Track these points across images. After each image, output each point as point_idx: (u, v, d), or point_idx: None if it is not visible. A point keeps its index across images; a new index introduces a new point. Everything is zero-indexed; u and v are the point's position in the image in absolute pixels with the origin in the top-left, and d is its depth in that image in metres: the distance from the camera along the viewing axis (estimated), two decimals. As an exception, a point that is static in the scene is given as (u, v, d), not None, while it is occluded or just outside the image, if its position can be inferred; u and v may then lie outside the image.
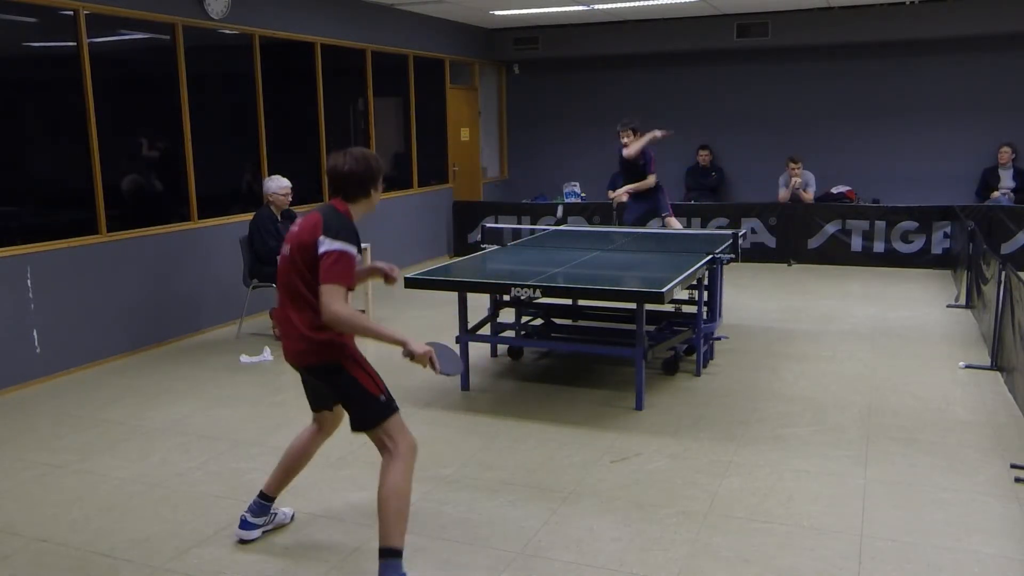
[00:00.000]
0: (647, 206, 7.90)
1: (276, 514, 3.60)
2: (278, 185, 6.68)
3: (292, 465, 3.50)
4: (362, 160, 3.19)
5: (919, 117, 10.61)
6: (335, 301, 2.93)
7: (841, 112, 10.94)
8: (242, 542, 3.47)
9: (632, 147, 7.61)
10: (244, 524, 3.49)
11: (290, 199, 6.76)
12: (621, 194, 7.91)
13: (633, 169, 7.80)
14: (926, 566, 3.20)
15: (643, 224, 7.91)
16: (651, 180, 7.77)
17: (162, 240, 6.82)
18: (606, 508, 3.73)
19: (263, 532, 3.53)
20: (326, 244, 2.97)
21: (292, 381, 5.84)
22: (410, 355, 3.02)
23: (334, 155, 3.21)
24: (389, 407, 3.12)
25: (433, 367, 3.05)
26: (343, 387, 3.14)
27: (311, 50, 8.47)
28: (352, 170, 3.14)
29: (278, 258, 3.19)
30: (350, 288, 3.01)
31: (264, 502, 3.51)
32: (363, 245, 7.07)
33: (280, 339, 3.34)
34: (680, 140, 11.60)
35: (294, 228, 3.14)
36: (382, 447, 3.11)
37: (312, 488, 4.01)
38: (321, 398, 3.37)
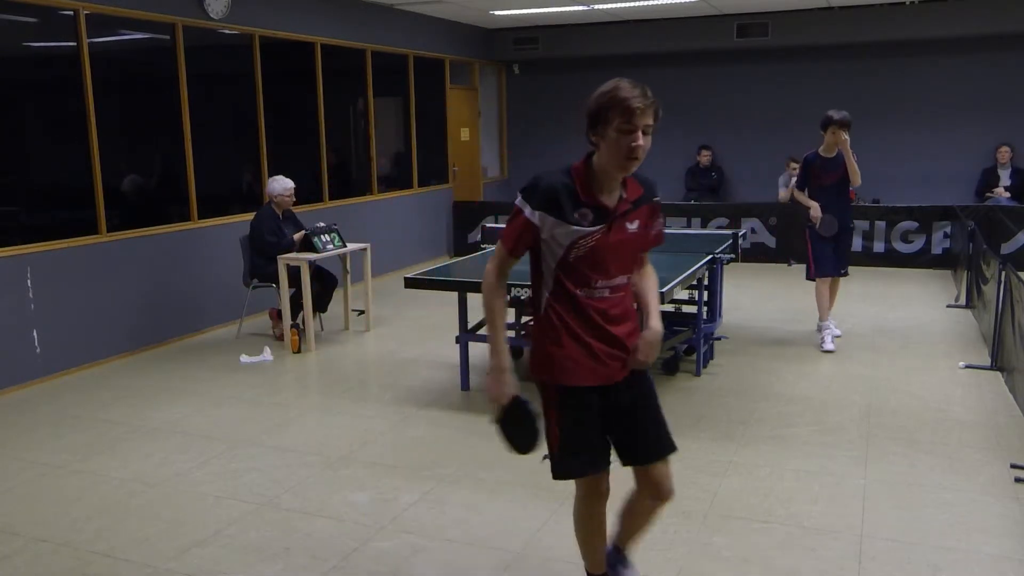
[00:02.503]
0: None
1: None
2: (283, 187, 6.68)
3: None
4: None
5: (919, 117, 10.61)
6: (491, 259, 2.59)
7: (841, 112, 10.93)
8: None
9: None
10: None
11: (293, 200, 6.77)
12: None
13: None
14: (926, 566, 3.20)
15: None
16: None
17: (162, 240, 6.82)
18: (606, 508, 3.72)
19: None
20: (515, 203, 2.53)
21: (292, 381, 5.85)
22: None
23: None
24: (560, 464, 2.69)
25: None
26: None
27: (311, 50, 8.47)
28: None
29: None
30: (512, 255, 2.55)
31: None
32: (362, 245, 7.09)
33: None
34: (680, 140, 11.66)
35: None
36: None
37: (312, 488, 4.01)
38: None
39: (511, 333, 6.30)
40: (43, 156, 6.14)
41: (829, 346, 6.25)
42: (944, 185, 10.47)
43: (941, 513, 3.62)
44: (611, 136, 2.39)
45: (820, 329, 6.44)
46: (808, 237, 6.38)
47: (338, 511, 3.77)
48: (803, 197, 6.34)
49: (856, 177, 6.13)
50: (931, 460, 4.19)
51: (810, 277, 6.46)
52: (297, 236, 6.63)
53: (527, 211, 2.47)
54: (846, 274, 6.47)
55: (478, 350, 6.12)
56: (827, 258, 6.30)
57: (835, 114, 6.02)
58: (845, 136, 5.98)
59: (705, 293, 5.76)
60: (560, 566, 3.25)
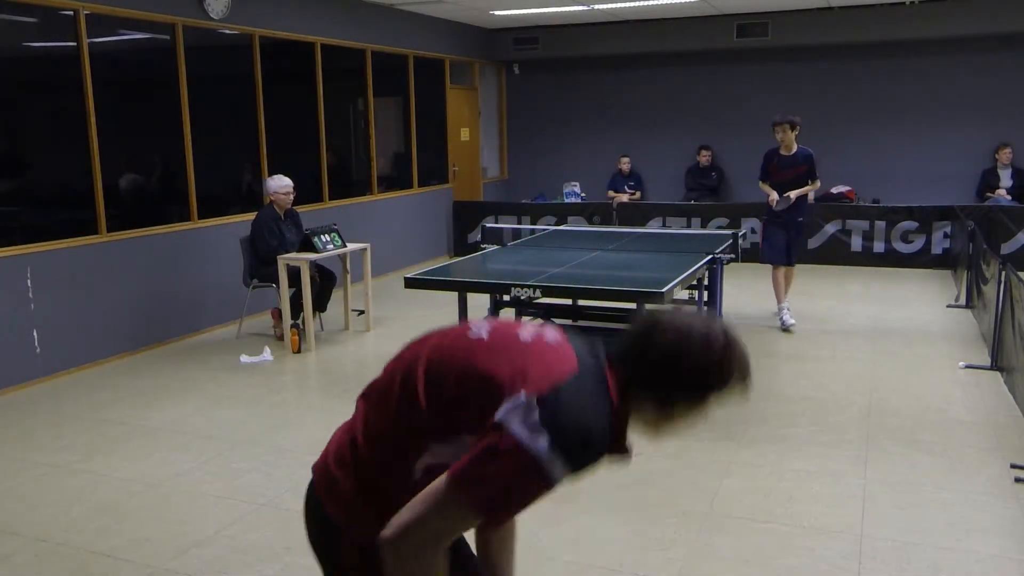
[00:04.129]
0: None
1: None
2: (279, 184, 6.68)
3: None
4: (719, 345, 1.58)
5: (919, 117, 10.60)
6: (426, 523, 1.51)
7: (841, 112, 10.93)
8: None
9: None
10: None
11: (292, 198, 6.76)
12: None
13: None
14: (926, 566, 3.20)
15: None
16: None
17: (162, 240, 6.82)
18: (606, 508, 3.73)
19: None
20: (507, 414, 1.48)
21: (292, 381, 5.85)
22: None
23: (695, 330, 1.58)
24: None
25: None
26: None
27: (311, 50, 8.47)
28: (688, 352, 1.54)
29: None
30: (491, 523, 1.73)
31: None
32: (362, 245, 7.08)
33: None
34: (680, 140, 11.66)
35: (481, 334, 1.67)
36: None
37: (312, 488, 4.01)
38: None
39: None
40: (43, 156, 6.14)
41: (789, 320, 6.81)
42: (944, 185, 10.47)
43: (941, 513, 3.62)
44: (693, 412, 1.59)
45: (778, 312, 6.97)
46: (764, 225, 7.08)
47: (338, 511, 3.76)
48: (765, 187, 6.96)
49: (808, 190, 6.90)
50: (931, 460, 4.19)
51: (764, 261, 7.12)
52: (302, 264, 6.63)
53: (557, 475, 1.49)
54: (791, 264, 7.03)
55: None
56: (776, 247, 6.93)
57: (777, 116, 6.83)
58: (782, 136, 6.75)
59: (705, 293, 5.76)
60: (560, 566, 3.25)
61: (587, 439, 1.49)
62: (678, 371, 1.54)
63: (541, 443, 1.45)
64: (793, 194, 6.76)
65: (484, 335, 1.67)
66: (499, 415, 1.48)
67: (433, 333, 1.78)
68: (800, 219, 6.96)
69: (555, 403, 1.48)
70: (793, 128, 6.74)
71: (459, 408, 1.57)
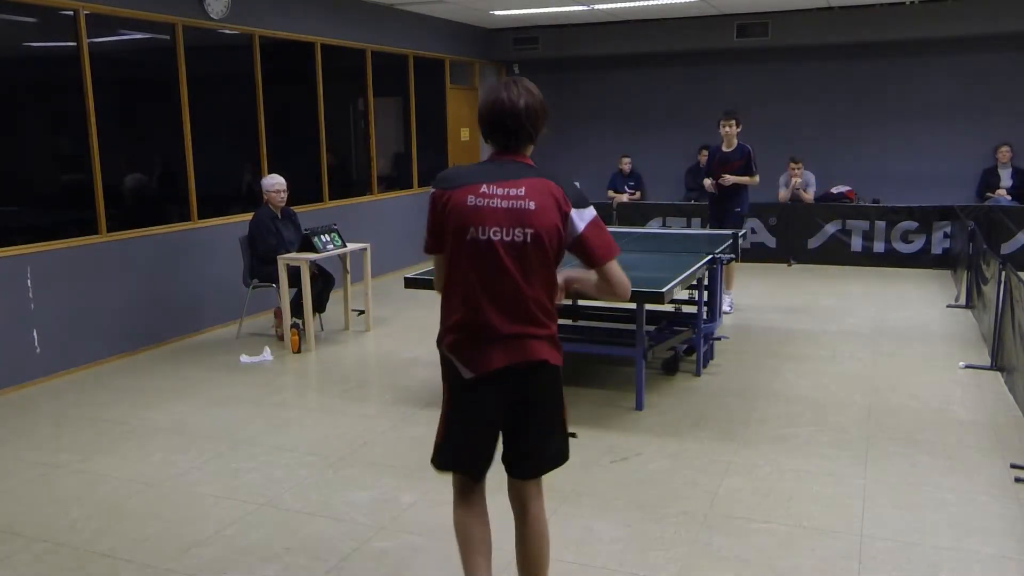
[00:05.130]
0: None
1: None
2: (271, 183, 6.69)
3: (487, 547, 2.65)
4: (532, 93, 2.47)
5: (919, 117, 10.60)
6: (623, 274, 2.50)
7: (841, 112, 10.94)
8: None
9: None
10: None
11: (284, 196, 6.74)
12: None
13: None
14: (926, 566, 3.20)
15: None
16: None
17: (162, 240, 6.82)
18: (606, 508, 3.73)
19: None
20: (583, 213, 2.44)
21: (292, 381, 5.85)
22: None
23: (495, 89, 2.46)
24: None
25: None
26: (556, 403, 2.57)
27: (311, 50, 8.47)
28: (530, 106, 2.45)
29: (476, 241, 2.43)
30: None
31: None
32: (362, 245, 7.08)
33: (483, 352, 2.50)
34: (680, 140, 11.65)
35: (505, 191, 2.41)
36: (538, 489, 2.63)
37: (312, 488, 4.01)
38: (492, 452, 2.60)
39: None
40: (43, 156, 6.14)
41: (726, 307, 7.23)
42: (944, 185, 10.47)
43: (941, 513, 3.62)
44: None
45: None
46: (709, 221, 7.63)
47: (338, 511, 3.77)
48: (706, 181, 7.51)
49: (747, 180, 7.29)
50: (931, 460, 4.19)
51: None
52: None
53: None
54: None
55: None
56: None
57: (728, 109, 7.44)
58: (727, 130, 7.25)
59: (705, 293, 5.76)
60: (560, 566, 3.25)
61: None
62: (536, 127, 2.49)
63: (590, 208, 2.49)
64: (729, 178, 7.22)
65: (505, 235, 2.46)
66: (581, 225, 2.45)
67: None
68: (737, 209, 7.36)
69: (574, 194, 2.47)
70: (738, 124, 7.30)
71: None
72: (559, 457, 2.61)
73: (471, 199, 2.42)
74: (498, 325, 2.45)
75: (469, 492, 2.63)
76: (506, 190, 2.41)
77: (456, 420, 2.59)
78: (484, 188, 2.42)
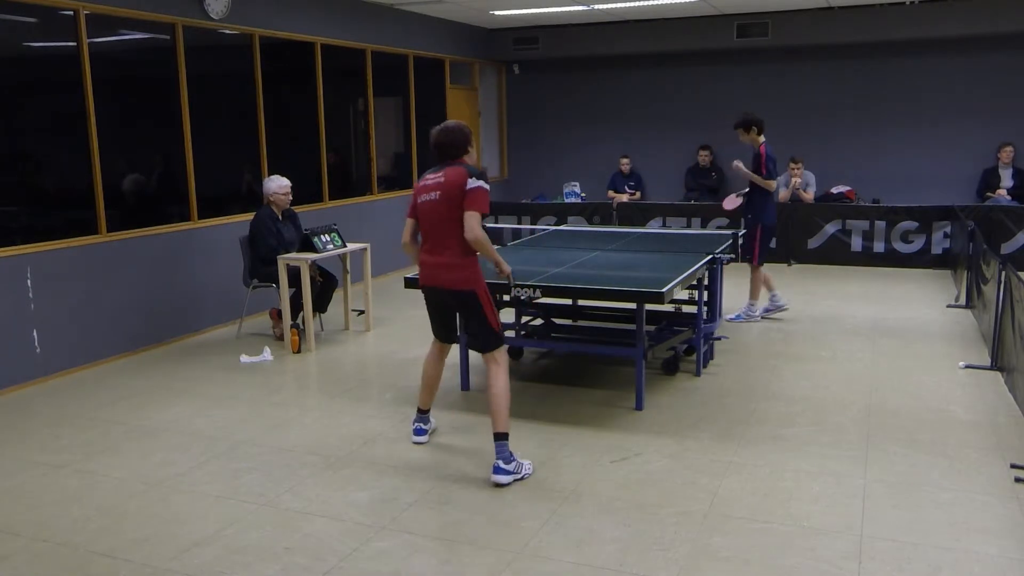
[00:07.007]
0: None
1: (432, 421, 4.65)
2: (278, 185, 6.69)
3: (434, 384, 4.51)
4: (455, 130, 4.15)
5: (919, 117, 10.61)
6: (478, 225, 3.97)
7: (841, 112, 10.94)
8: (417, 444, 4.51)
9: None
10: (418, 431, 4.54)
11: (290, 198, 6.77)
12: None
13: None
14: (926, 566, 3.20)
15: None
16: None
17: (162, 240, 6.82)
18: (606, 508, 3.73)
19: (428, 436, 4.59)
20: (472, 183, 3.97)
21: (292, 381, 5.85)
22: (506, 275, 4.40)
23: (435, 131, 4.18)
24: (501, 340, 4.13)
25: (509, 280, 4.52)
26: (477, 314, 4.12)
27: (311, 50, 8.47)
28: (450, 140, 4.11)
29: (422, 204, 4.11)
30: (485, 215, 4.03)
31: (424, 415, 4.57)
32: (362, 245, 7.09)
33: (428, 274, 4.17)
34: (680, 140, 11.66)
35: (434, 179, 4.07)
36: (489, 361, 4.12)
37: (312, 488, 4.01)
38: (449, 331, 4.38)
39: (511, 332, 6.30)
40: (43, 156, 6.14)
41: (756, 312, 7.31)
42: (944, 185, 10.47)
43: (941, 513, 3.62)
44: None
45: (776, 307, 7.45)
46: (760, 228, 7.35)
47: (338, 511, 3.77)
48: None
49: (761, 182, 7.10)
50: (931, 460, 4.19)
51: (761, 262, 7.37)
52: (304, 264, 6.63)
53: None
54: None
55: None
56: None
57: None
58: (741, 139, 7.10)
59: (705, 293, 5.76)
60: (560, 566, 3.25)
61: (480, 172, 4.09)
62: (457, 147, 4.15)
63: (480, 181, 4.03)
64: (738, 164, 7.23)
65: (432, 197, 4.13)
66: (469, 186, 4.00)
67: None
68: (748, 215, 7.31)
69: (472, 172, 4.06)
70: (746, 131, 7.04)
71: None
72: (486, 347, 4.13)
73: (420, 183, 4.20)
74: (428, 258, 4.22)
75: (438, 349, 4.48)
76: (435, 178, 4.10)
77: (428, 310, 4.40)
78: (428, 177, 4.15)
